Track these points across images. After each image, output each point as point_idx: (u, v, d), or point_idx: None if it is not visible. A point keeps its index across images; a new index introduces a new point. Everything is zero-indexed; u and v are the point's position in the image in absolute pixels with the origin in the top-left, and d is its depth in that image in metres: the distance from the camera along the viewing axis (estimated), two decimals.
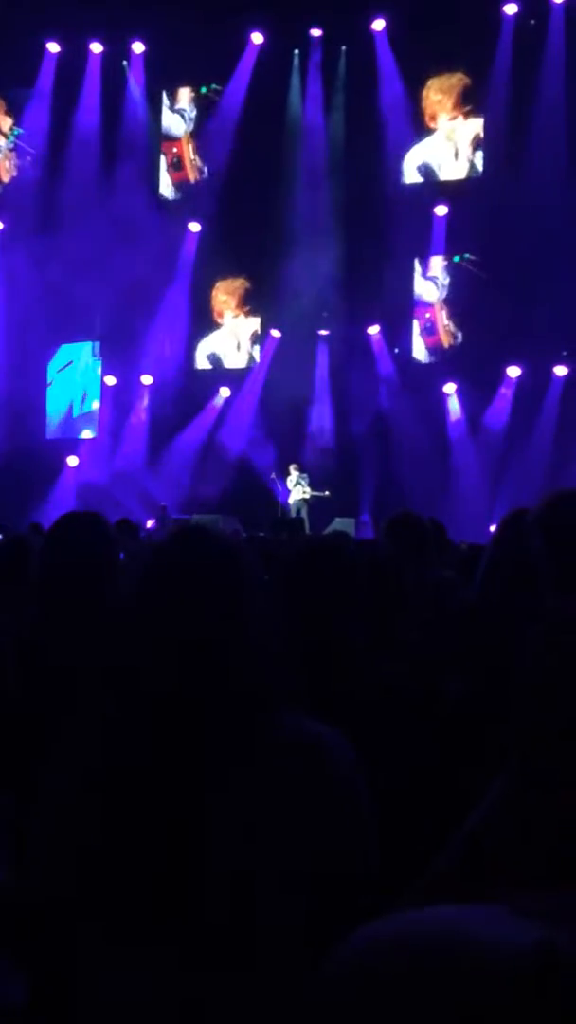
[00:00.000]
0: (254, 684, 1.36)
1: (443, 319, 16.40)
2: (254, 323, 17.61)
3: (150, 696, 1.35)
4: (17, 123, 18.02)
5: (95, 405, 18.09)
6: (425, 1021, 0.68)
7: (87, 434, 18.05)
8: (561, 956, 0.68)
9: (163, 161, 17.97)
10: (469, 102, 16.20)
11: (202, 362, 17.89)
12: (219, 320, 17.75)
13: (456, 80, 16.21)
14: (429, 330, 16.54)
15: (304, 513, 14.66)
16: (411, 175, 16.64)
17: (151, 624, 1.38)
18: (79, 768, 1.38)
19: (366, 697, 2.10)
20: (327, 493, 14.70)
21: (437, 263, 16.42)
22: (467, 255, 16.11)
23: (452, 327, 16.32)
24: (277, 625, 1.52)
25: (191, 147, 17.86)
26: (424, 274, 16.53)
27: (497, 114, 15.64)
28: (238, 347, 17.72)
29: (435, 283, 16.48)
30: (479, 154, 16.23)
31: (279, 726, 1.36)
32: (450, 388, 15.98)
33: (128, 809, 1.31)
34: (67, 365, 18.23)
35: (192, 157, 17.82)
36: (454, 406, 15.95)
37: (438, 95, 16.34)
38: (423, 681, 2.35)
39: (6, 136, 18.04)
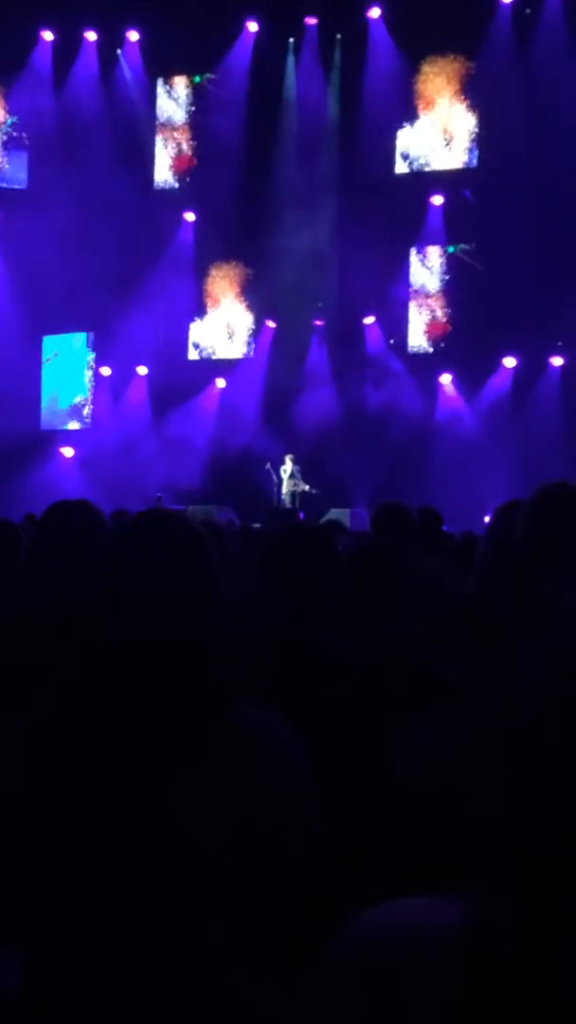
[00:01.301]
0: (211, 672, 1.39)
1: (438, 309, 16.38)
2: (248, 313, 17.57)
3: (116, 680, 1.37)
4: (11, 112, 17.93)
5: (77, 399, 18.08)
6: (362, 1011, 0.73)
7: (73, 425, 18.04)
8: (489, 929, 0.71)
9: (158, 150, 17.90)
10: (464, 91, 16.15)
11: (196, 352, 17.86)
12: (213, 310, 17.72)
13: (451, 69, 16.16)
14: (424, 320, 16.52)
15: (298, 504, 14.66)
16: (406, 164, 16.60)
17: (116, 607, 1.41)
18: (36, 749, 1.41)
19: (337, 683, 2.11)
20: (314, 490, 14.68)
21: (433, 253, 16.40)
22: (462, 245, 16.09)
23: (448, 317, 16.31)
24: (250, 611, 1.55)
25: (186, 136, 17.79)
26: (420, 264, 16.50)
27: (492, 103, 15.59)
28: (232, 337, 17.69)
29: (431, 273, 16.46)
30: (474, 143, 16.19)
31: (231, 715, 1.39)
32: (446, 379, 15.97)
33: (85, 785, 1.33)
34: (52, 356, 18.20)
35: (186, 145, 17.76)
36: (450, 396, 15.96)
37: (433, 84, 16.28)
38: (414, 670, 2.36)
39: (0, 126, 17.95)
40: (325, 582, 2.20)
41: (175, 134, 17.85)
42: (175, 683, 1.35)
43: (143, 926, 1.29)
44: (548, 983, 0.67)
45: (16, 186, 17.87)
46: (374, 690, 2.21)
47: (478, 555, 2.51)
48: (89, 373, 18.11)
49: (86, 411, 18.11)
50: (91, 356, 18.06)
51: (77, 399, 18.14)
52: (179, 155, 17.81)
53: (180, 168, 17.80)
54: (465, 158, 16.32)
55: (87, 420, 18.06)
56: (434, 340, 16.44)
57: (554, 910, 0.68)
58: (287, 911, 1.33)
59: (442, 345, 16.32)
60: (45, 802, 1.34)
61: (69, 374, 18.18)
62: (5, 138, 18.02)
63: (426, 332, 16.50)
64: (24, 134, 17.91)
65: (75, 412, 18.16)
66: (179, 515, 1.52)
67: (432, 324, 16.45)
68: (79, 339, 18.08)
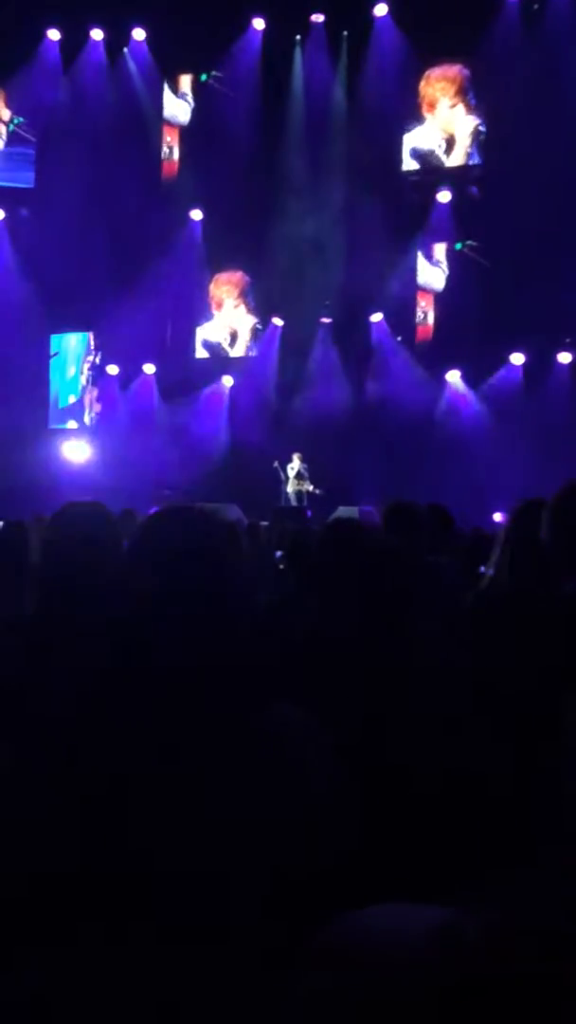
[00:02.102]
0: (240, 664, 1.38)
1: (445, 306, 16.36)
2: (255, 311, 17.57)
3: (143, 673, 1.36)
4: (17, 111, 17.95)
5: (71, 399, 18.13)
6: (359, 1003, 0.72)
7: (72, 424, 18.08)
8: (466, 940, 0.70)
9: (164, 148, 17.90)
10: (471, 88, 16.12)
11: (203, 351, 17.87)
12: (220, 308, 17.72)
13: (457, 67, 16.13)
14: (431, 317, 16.50)
15: (305, 502, 14.66)
16: (412, 162, 16.58)
17: (144, 598, 1.40)
18: (64, 744, 1.40)
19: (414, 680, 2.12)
20: (319, 491, 14.67)
21: (439, 250, 16.37)
22: (469, 242, 16.06)
23: (455, 314, 16.28)
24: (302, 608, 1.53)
25: (192, 134, 17.78)
26: (427, 261, 16.48)
27: (499, 99, 15.55)
28: (239, 335, 17.70)
29: (438, 270, 16.44)
30: (480, 140, 16.15)
31: (264, 713, 1.39)
32: (453, 376, 15.96)
33: (111, 786, 1.32)
34: (53, 355, 18.25)
35: (193, 143, 17.74)
36: (457, 393, 15.94)
37: (439, 82, 16.26)
38: (432, 666, 2.37)
39: (6, 125, 17.97)
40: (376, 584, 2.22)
41: (181, 132, 17.84)
42: (207, 681, 1.34)
43: (162, 927, 1.29)
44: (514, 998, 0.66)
45: (23, 184, 17.89)
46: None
47: (497, 553, 2.50)
48: (85, 372, 18.14)
49: (87, 417, 18.10)
50: (90, 356, 18.07)
51: (71, 399, 18.20)
52: (185, 153, 17.81)
53: (186, 166, 17.79)
54: (471, 155, 16.29)
55: (84, 421, 18.07)
56: (441, 337, 16.41)
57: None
58: (309, 914, 1.32)
59: (449, 342, 16.29)
60: (78, 802, 1.34)
61: (66, 374, 18.25)
62: (11, 136, 18.03)
63: (433, 329, 16.48)
64: (30, 133, 17.92)
65: (70, 412, 18.20)
66: (202, 509, 1.51)
67: (439, 321, 16.43)
68: (77, 338, 18.12)
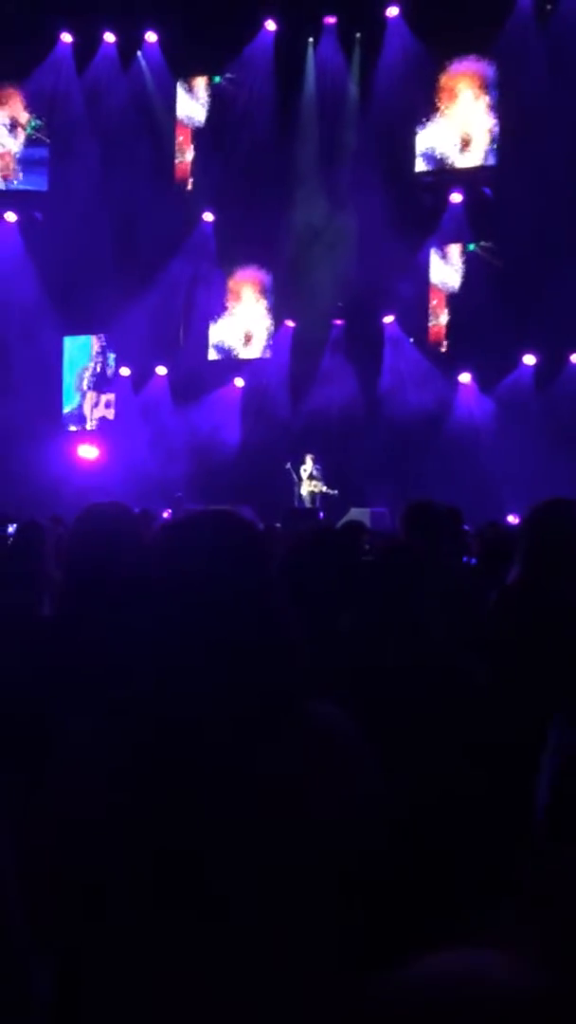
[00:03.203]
0: (280, 664, 1.38)
1: (458, 307, 16.34)
2: (268, 312, 17.59)
3: (173, 679, 1.35)
4: (33, 114, 18.00)
5: (74, 402, 18.16)
6: None
7: (72, 428, 18.12)
8: (565, 1002, 0.69)
9: (177, 150, 17.92)
10: (484, 89, 16.11)
11: (216, 352, 17.89)
12: (233, 310, 17.74)
13: (471, 67, 16.12)
14: (444, 318, 16.48)
15: (317, 503, 14.65)
16: (425, 163, 16.57)
17: (174, 606, 1.38)
18: (94, 750, 1.39)
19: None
20: (333, 492, 14.65)
21: (453, 251, 16.36)
22: (482, 242, 16.04)
23: (467, 315, 16.25)
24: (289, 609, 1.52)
25: (205, 135, 17.80)
26: (440, 262, 16.47)
27: (512, 100, 15.54)
28: (252, 337, 17.71)
29: (451, 271, 16.43)
30: (494, 141, 16.13)
31: (300, 708, 1.38)
32: (465, 377, 15.93)
33: (146, 790, 1.32)
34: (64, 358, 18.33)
35: (206, 145, 17.76)
36: (469, 394, 15.91)
37: (453, 82, 16.25)
38: (446, 666, 2.38)
39: (24, 128, 18.03)
40: (338, 583, 2.23)
41: (194, 134, 17.86)
42: (240, 683, 1.34)
43: (186, 933, 1.29)
44: None
45: (36, 188, 17.95)
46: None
47: (524, 550, 2.49)
48: (86, 378, 18.19)
49: (89, 424, 18.13)
50: (90, 362, 18.12)
51: (73, 403, 18.26)
52: (198, 155, 17.83)
53: (199, 168, 17.81)
54: (485, 156, 16.27)
55: (86, 426, 18.10)
56: (453, 339, 16.39)
57: None
58: (344, 919, 1.31)
59: (462, 343, 16.26)
60: (114, 804, 1.33)
61: (72, 378, 18.31)
62: (27, 141, 18.10)
63: (445, 330, 16.46)
64: (44, 135, 17.98)
65: (73, 417, 18.26)
66: (229, 513, 1.50)
67: (451, 322, 16.41)
68: (80, 343, 18.16)
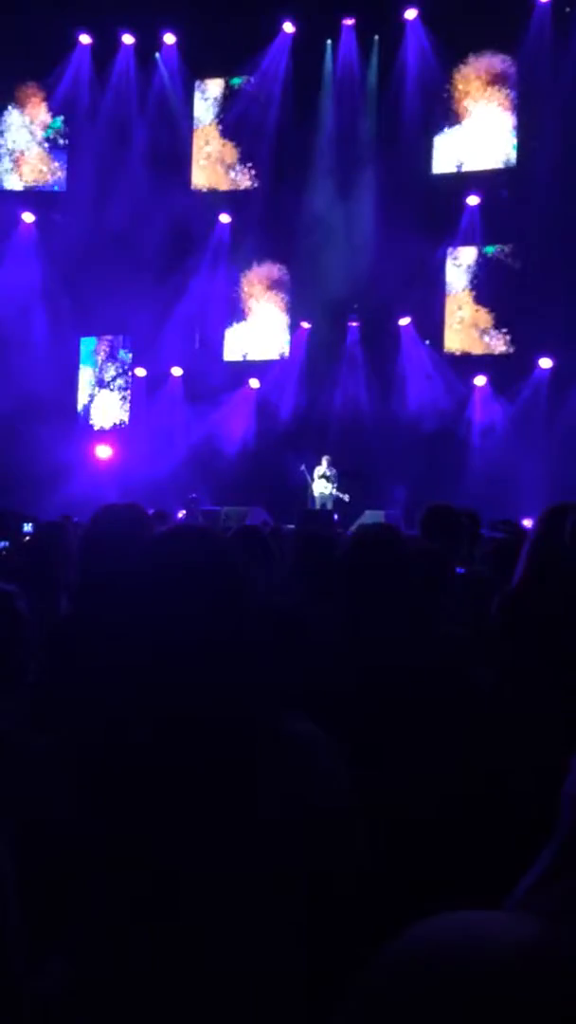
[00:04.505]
0: (248, 680, 1.39)
1: (474, 310, 16.29)
2: (284, 314, 17.59)
3: (151, 691, 1.38)
4: (52, 115, 18.08)
5: (82, 403, 18.22)
6: (438, 1019, 0.69)
7: (95, 425, 18.20)
8: (562, 951, 0.68)
9: (194, 151, 17.95)
10: (502, 91, 16.07)
11: (231, 354, 17.90)
12: (249, 312, 17.75)
13: (489, 69, 16.08)
14: (460, 321, 16.44)
15: (331, 506, 14.62)
16: (443, 165, 16.54)
17: (150, 618, 1.42)
18: (77, 760, 1.42)
19: (405, 685, 2.11)
20: (346, 496, 14.61)
21: (469, 253, 16.32)
22: (499, 245, 16.00)
23: (484, 318, 16.21)
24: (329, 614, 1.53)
25: (222, 137, 17.82)
26: (456, 265, 16.44)
27: (530, 103, 15.50)
28: (268, 338, 17.71)
29: (467, 273, 16.39)
30: (512, 144, 16.09)
31: (270, 724, 1.39)
32: (481, 380, 15.89)
33: (129, 802, 1.34)
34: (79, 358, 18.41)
35: (223, 147, 17.79)
36: (485, 398, 15.87)
37: (471, 84, 16.22)
38: (456, 672, 2.36)
39: (44, 129, 18.10)
40: (401, 587, 2.21)
41: (212, 136, 17.89)
42: (214, 697, 1.35)
43: (184, 935, 1.29)
44: None
45: (55, 188, 18.03)
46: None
47: (523, 557, 2.48)
48: (91, 379, 18.25)
49: (104, 424, 18.19)
50: (95, 364, 18.17)
51: (82, 403, 18.34)
52: (215, 156, 17.85)
53: (216, 169, 17.84)
54: (503, 158, 16.23)
55: (93, 427, 18.16)
56: (469, 341, 16.35)
57: None
58: (324, 932, 1.33)
59: (477, 346, 16.23)
60: (94, 811, 1.35)
61: (88, 377, 18.39)
62: (46, 142, 18.17)
63: (461, 333, 16.42)
64: (62, 136, 18.06)
65: (88, 418, 18.34)
66: (204, 530, 1.50)
67: (468, 325, 16.36)
68: (87, 343, 18.23)
